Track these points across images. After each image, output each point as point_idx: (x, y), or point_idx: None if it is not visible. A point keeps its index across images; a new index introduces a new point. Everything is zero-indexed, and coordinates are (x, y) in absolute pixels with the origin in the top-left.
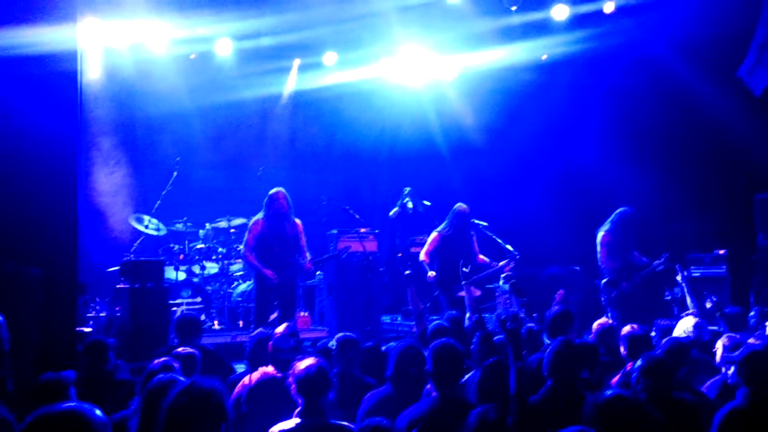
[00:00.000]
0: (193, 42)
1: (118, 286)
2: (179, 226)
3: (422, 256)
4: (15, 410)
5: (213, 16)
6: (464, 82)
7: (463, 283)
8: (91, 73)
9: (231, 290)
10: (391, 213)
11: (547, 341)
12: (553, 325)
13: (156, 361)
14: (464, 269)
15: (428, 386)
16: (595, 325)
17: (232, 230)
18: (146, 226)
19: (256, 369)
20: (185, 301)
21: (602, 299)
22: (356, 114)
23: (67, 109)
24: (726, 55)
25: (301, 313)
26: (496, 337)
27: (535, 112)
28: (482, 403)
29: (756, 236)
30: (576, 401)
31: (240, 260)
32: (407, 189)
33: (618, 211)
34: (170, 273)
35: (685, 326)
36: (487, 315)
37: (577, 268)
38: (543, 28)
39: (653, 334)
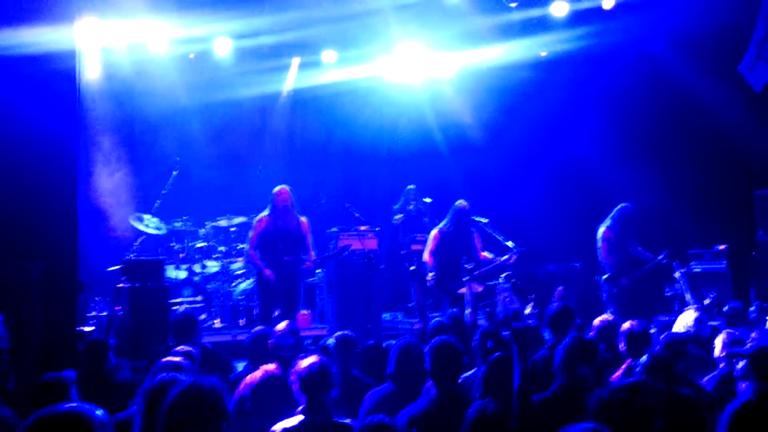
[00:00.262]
0: (192, 41)
1: (118, 285)
2: (179, 225)
3: (425, 257)
4: (16, 409)
5: (211, 15)
6: (463, 80)
7: (465, 279)
8: (91, 72)
9: (232, 288)
10: (395, 219)
11: (548, 337)
12: (554, 321)
13: (163, 359)
14: (466, 266)
15: (428, 383)
16: (596, 321)
17: (232, 228)
18: (147, 225)
19: (256, 366)
20: (186, 299)
21: (602, 295)
22: (355, 112)
23: (66, 109)
24: (726, 51)
25: (302, 311)
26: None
27: (534, 109)
28: (486, 397)
29: (756, 232)
30: (585, 398)
31: (241, 258)
32: (411, 186)
33: (618, 206)
34: (171, 272)
35: (685, 320)
36: (487, 311)
37: (577, 264)
38: (542, 25)
39: (653, 330)
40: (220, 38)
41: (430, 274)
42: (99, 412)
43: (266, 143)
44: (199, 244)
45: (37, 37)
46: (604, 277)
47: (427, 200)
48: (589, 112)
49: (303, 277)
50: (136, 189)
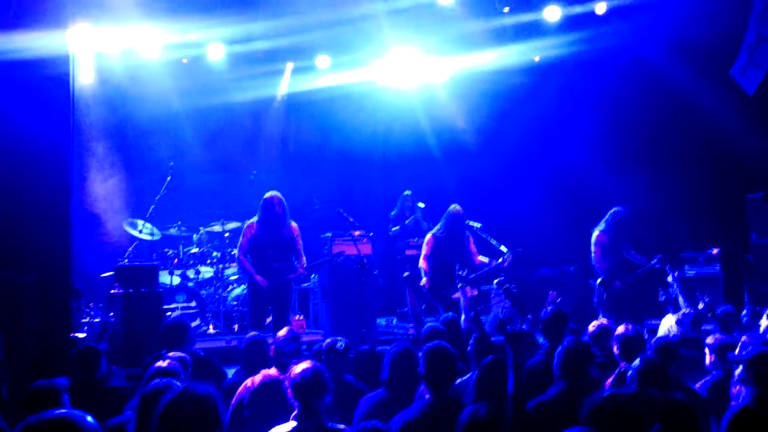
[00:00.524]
0: (185, 46)
1: (112, 291)
2: (173, 231)
3: (421, 263)
4: (8, 417)
5: (204, 20)
6: (456, 85)
7: (459, 285)
8: (84, 78)
9: (226, 294)
10: (392, 231)
11: (541, 341)
12: (548, 326)
13: (157, 364)
14: (460, 272)
15: (422, 388)
16: (590, 326)
17: (226, 234)
18: (140, 231)
19: (250, 372)
20: (180, 305)
21: (596, 299)
22: (349, 117)
23: (59, 114)
24: (718, 55)
25: (297, 317)
26: (492, 338)
27: (527, 113)
28: (478, 401)
29: (749, 235)
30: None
31: (235, 264)
32: (407, 192)
33: (612, 210)
34: (165, 277)
35: (668, 325)
36: (482, 317)
37: (571, 268)
38: (535, 30)
39: (646, 336)
40: (214, 43)
41: (424, 279)
42: (89, 419)
43: (260, 148)
44: (193, 250)
45: (31, 43)
46: (598, 281)
47: (421, 205)
48: (582, 117)
49: (294, 284)
50: (129, 194)
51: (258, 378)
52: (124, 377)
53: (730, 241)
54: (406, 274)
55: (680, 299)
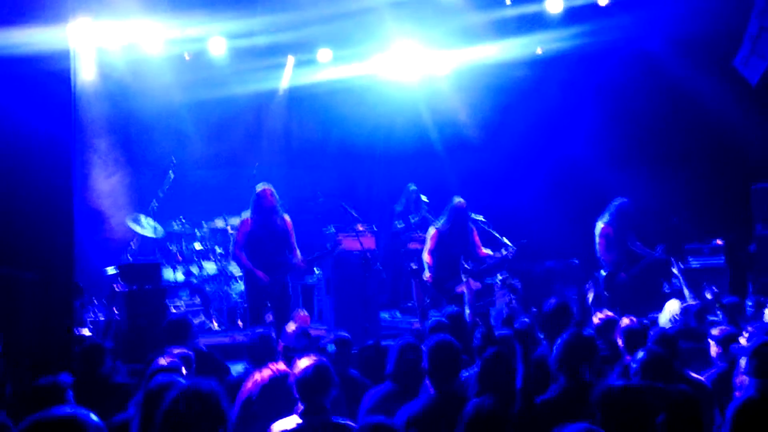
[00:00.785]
0: (187, 41)
1: (116, 288)
2: (176, 227)
3: (424, 256)
4: (12, 414)
5: (206, 15)
6: (458, 78)
7: (464, 278)
8: (85, 73)
9: (230, 290)
10: (397, 224)
11: (541, 335)
12: (551, 319)
13: (162, 360)
14: (465, 265)
15: (427, 382)
16: (595, 318)
17: (229, 229)
18: (143, 227)
19: (258, 367)
20: (184, 301)
21: (600, 291)
22: (351, 110)
23: (61, 110)
24: (721, 46)
25: (301, 312)
26: (498, 332)
27: (530, 106)
28: (482, 395)
29: (754, 226)
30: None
31: None
32: (413, 186)
33: (616, 202)
34: (168, 274)
35: (671, 309)
36: (485, 311)
37: (575, 261)
38: (537, 22)
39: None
40: (215, 38)
41: (427, 273)
42: (94, 417)
43: (262, 143)
44: (196, 246)
45: (31, 38)
46: (602, 273)
47: (424, 198)
48: (585, 109)
49: (294, 278)
50: (132, 190)
51: (267, 373)
52: (128, 374)
53: (734, 232)
54: (413, 266)
55: (685, 291)
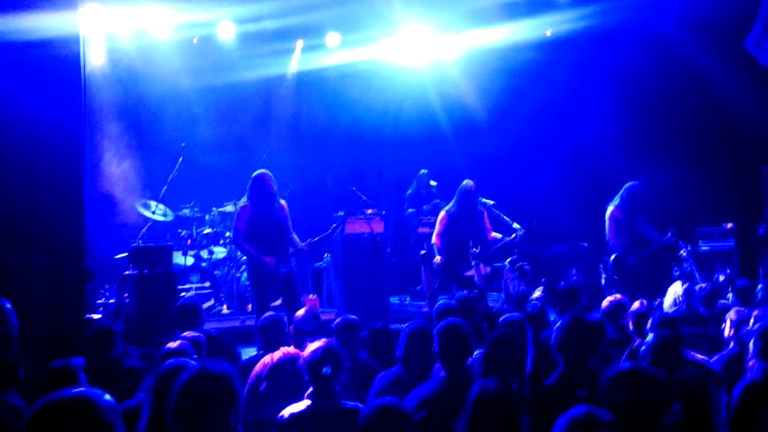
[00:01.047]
0: (195, 26)
1: (126, 272)
2: (186, 212)
3: (434, 239)
4: (25, 397)
5: (214, 0)
6: (467, 62)
7: (473, 263)
8: (95, 59)
9: (239, 274)
10: (408, 211)
11: (553, 317)
12: (560, 301)
13: (172, 344)
14: (474, 249)
15: (437, 366)
16: (604, 302)
17: None
18: (153, 212)
19: (268, 351)
20: (194, 286)
21: (610, 275)
22: (360, 95)
23: (71, 95)
24: (733, 27)
25: (310, 296)
26: (504, 316)
27: (539, 89)
28: (487, 377)
29: (764, 209)
30: (584, 380)
31: None
32: (423, 171)
33: (626, 185)
34: (178, 258)
35: (675, 291)
36: (495, 294)
37: (585, 244)
38: (547, 4)
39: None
40: (224, 22)
41: (438, 257)
42: (107, 397)
43: (271, 127)
44: (206, 230)
45: (41, 23)
46: (612, 257)
47: (433, 183)
48: (595, 92)
49: (303, 263)
50: (142, 175)
51: (277, 355)
52: (139, 357)
53: (745, 216)
54: (423, 251)
55: (696, 274)
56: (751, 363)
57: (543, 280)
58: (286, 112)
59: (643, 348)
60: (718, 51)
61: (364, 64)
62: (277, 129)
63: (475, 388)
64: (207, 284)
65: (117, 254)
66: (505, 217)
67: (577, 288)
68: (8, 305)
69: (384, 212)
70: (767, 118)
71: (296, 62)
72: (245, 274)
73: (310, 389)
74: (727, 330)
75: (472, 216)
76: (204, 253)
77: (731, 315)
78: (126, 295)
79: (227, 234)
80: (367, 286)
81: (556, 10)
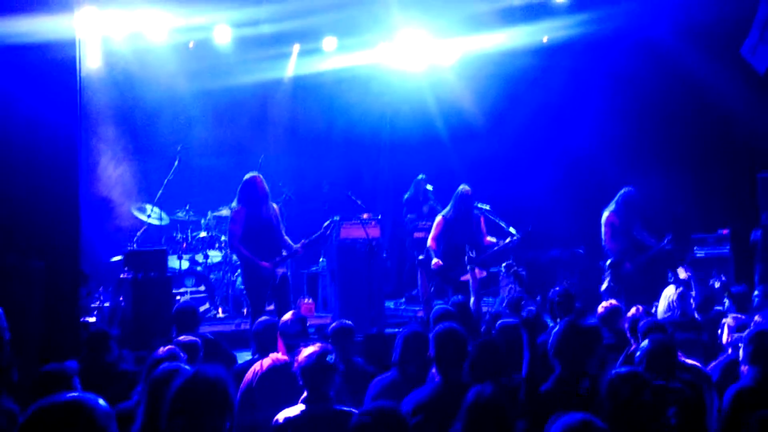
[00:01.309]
0: (192, 30)
1: (121, 275)
2: (181, 215)
3: (429, 242)
4: (19, 401)
5: (211, 3)
6: (464, 67)
7: (468, 267)
8: (91, 62)
9: (234, 278)
10: (408, 217)
11: (550, 323)
12: (555, 306)
13: (161, 350)
14: (470, 254)
15: (433, 371)
16: (600, 307)
17: None
18: (148, 216)
19: (263, 355)
20: (189, 289)
21: (606, 281)
22: (356, 99)
23: (67, 98)
24: (729, 34)
25: (306, 300)
26: (501, 321)
27: (536, 95)
28: (473, 380)
29: (760, 215)
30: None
31: None
32: (422, 176)
33: (622, 191)
34: (173, 262)
35: (668, 294)
36: (490, 298)
37: (580, 250)
38: (544, 10)
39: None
40: (220, 26)
41: (435, 260)
42: (102, 402)
43: (267, 131)
44: (202, 234)
45: (37, 27)
46: (608, 262)
47: (429, 187)
48: (591, 98)
49: (299, 266)
50: (138, 179)
51: (267, 362)
52: (134, 361)
53: (740, 221)
54: (420, 257)
55: (692, 284)
56: (744, 368)
57: (538, 297)
58: (282, 116)
59: (638, 354)
60: (713, 57)
61: (361, 69)
62: (273, 133)
63: (471, 394)
64: (202, 288)
65: (113, 257)
66: (501, 222)
67: (573, 293)
68: None
69: (380, 217)
70: (762, 123)
71: (293, 66)
72: (240, 278)
73: (305, 394)
74: (725, 336)
75: (468, 221)
76: (199, 257)
77: (729, 321)
78: (121, 298)
79: (222, 238)
80: (362, 291)
81: (552, 16)
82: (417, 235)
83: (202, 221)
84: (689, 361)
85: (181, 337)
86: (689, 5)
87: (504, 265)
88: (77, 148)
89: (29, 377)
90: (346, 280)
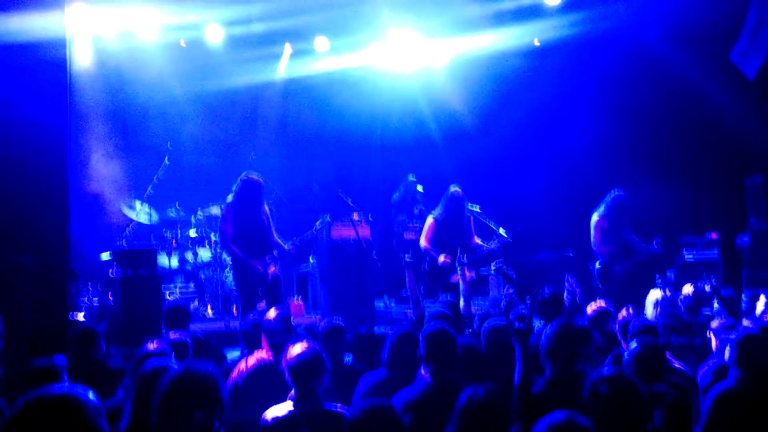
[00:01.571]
0: (183, 28)
1: (110, 273)
2: (171, 213)
3: (423, 243)
4: (7, 397)
5: (202, 2)
6: (456, 68)
7: (458, 267)
8: (81, 60)
9: (224, 277)
10: (400, 218)
11: (538, 324)
12: (544, 309)
13: (149, 345)
14: (462, 258)
15: (422, 371)
16: (588, 309)
17: None
18: (138, 214)
19: (252, 353)
20: (179, 287)
21: (595, 283)
22: (347, 100)
23: (56, 97)
24: (719, 38)
25: (296, 300)
26: (488, 321)
27: (527, 96)
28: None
29: (748, 219)
30: (576, 386)
31: None
32: (411, 177)
33: (612, 194)
34: (163, 260)
35: (653, 298)
36: (479, 300)
37: (570, 252)
38: (535, 12)
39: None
40: (211, 25)
41: (442, 257)
42: (91, 395)
43: (258, 131)
44: (191, 232)
45: (27, 25)
46: (597, 265)
47: (419, 188)
48: (581, 100)
49: (289, 267)
50: (127, 177)
51: (251, 361)
52: (122, 359)
53: (729, 226)
54: (407, 257)
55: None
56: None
57: (528, 301)
58: (273, 115)
59: (626, 356)
60: (703, 62)
61: (353, 70)
62: (264, 132)
63: (463, 397)
64: (191, 286)
65: (102, 254)
66: (491, 223)
67: (561, 295)
68: None
69: (371, 217)
70: (751, 129)
71: (284, 66)
72: (230, 277)
73: (293, 392)
74: (714, 341)
75: (459, 222)
76: (189, 256)
77: (714, 324)
78: (110, 295)
79: (212, 236)
80: (352, 291)
81: (543, 19)
82: (407, 236)
83: (192, 219)
84: (676, 365)
85: (171, 335)
86: (679, 9)
87: (494, 267)
88: (66, 146)
89: (18, 374)
90: (337, 279)
